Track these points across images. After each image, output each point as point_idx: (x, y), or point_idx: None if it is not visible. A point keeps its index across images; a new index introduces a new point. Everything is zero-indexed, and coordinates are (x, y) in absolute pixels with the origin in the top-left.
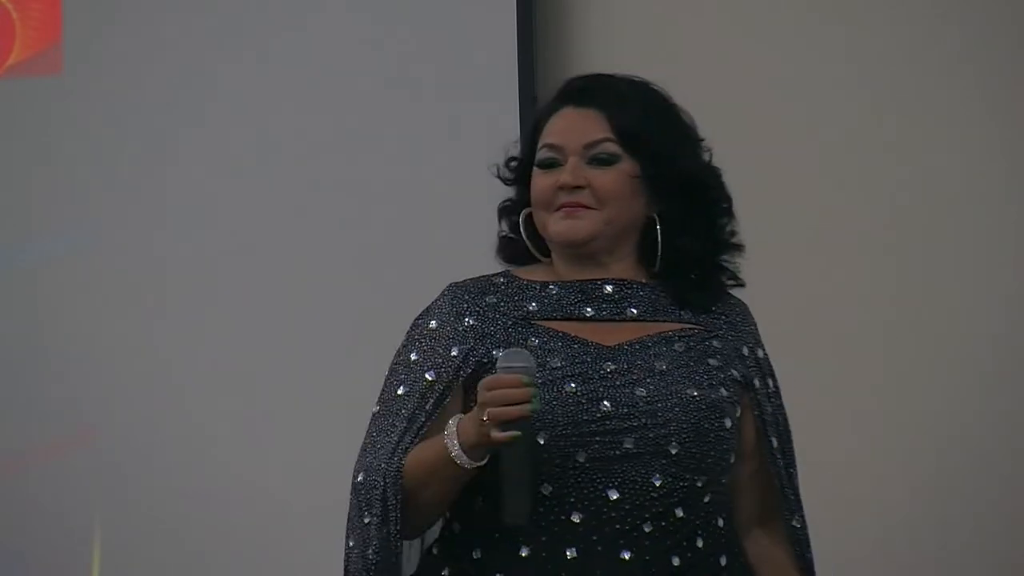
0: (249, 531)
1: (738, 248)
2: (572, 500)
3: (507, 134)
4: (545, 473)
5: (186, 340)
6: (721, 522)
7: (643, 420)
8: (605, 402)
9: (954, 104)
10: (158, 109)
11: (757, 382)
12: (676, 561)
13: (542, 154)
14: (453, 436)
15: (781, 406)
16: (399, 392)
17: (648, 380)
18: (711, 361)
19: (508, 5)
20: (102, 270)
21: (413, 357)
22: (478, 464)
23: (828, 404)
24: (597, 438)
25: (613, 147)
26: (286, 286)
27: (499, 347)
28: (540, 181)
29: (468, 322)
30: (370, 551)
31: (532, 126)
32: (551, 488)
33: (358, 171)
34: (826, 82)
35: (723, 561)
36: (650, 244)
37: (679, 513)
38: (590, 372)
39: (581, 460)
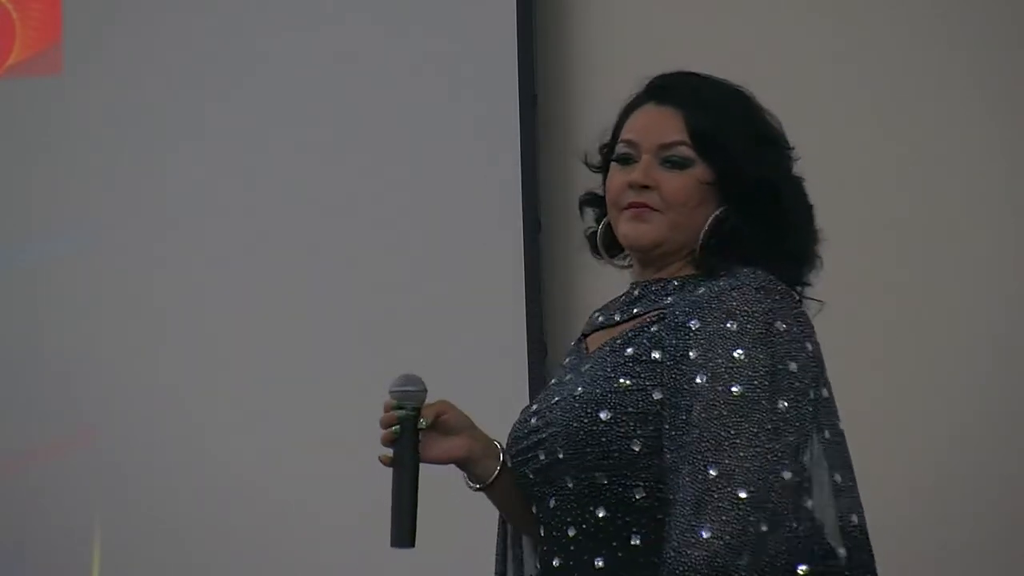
0: (249, 531)
1: (801, 259)
2: (538, 514)
3: (507, 134)
4: (524, 491)
5: (186, 340)
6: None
7: (544, 431)
8: (534, 417)
9: (954, 104)
10: (158, 109)
11: (694, 352)
12: (600, 563)
13: (619, 149)
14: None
15: (733, 380)
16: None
17: (567, 387)
18: (628, 350)
19: (508, 5)
20: (102, 270)
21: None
22: (479, 485)
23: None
24: (528, 454)
25: (687, 151)
26: (286, 286)
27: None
28: (614, 177)
29: None
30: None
31: (616, 120)
32: (532, 504)
33: (358, 171)
34: (827, 82)
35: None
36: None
37: (600, 513)
38: (552, 387)
39: (531, 476)
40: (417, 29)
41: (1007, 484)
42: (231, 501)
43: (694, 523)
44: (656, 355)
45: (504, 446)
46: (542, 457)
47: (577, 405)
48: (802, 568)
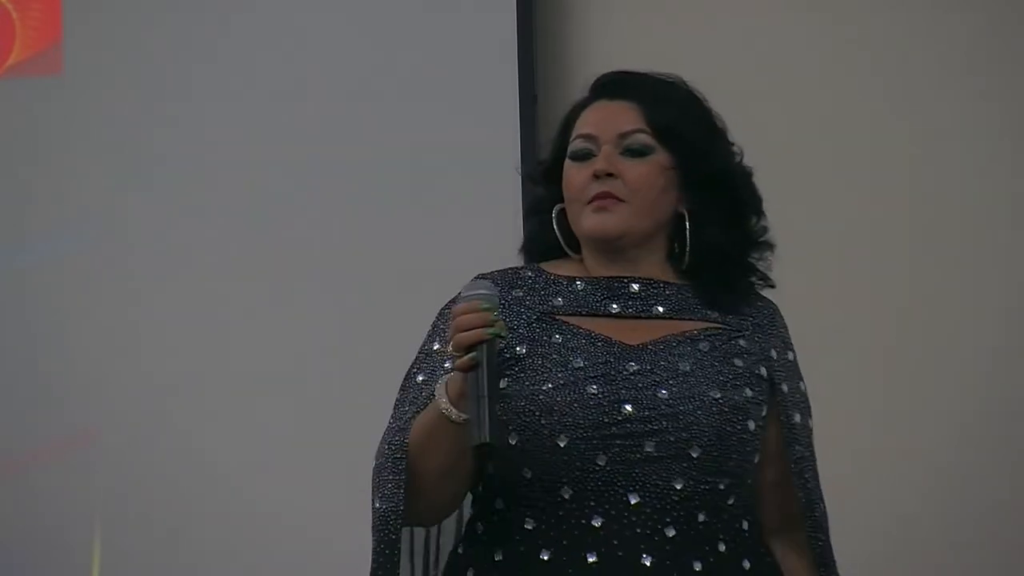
0: (249, 532)
1: (768, 247)
2: (592, 504)
3: (507, 134)
4: (566, 476)
5: (186, 340)
6: (746, 525)
7: (664, 423)
8: (627, 405)
9: (956, 104)
10: (158, 109)
11: (785, 386)
12: (698, 566)
13: (576, 145)
14: (442, 391)
15: (808, 414)
16: (418, 380)
17: (671, 381)
18: (737, 361)
19: (508, 5)
20: (102, 270)
21: (435, 347)
22: (466, 416)
23: (834, 404)
24: (618, 441)
25: (647, 138)
26: (286, 287)
27: (523, 343)
28: (573, 174)
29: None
30: (375, 538)
31: (562, 123)
32: (571, 491)
33: (358, 171)
34: (828, 82)
35: (746, 565)
36: (680, 241)
37: (701, 518)
38: (612, 372)
39: (602, 464)
40: (417, 29)
41: (1008, 484)
42: (231, 502)
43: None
44: (762, 371)
45: (554, 420)
46: (649, 449)
47: (727, 410)
48: None
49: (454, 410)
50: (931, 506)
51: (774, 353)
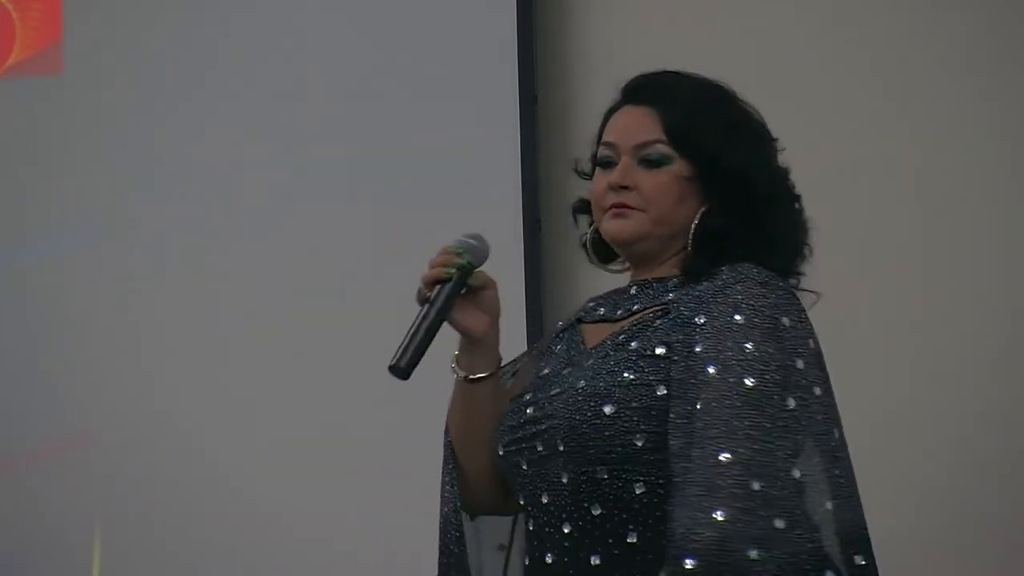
0: (249, 532)
1: (788, 251)
2: (529, 508)
3: (507, 134)
4: (514, 482)
5: (187, 341)
6: None
7: (543, 423)
8: (529, 408)
9: (959, 105)
10: (158, 109)
11: (700, 346)
12: (595, 560)
13: (600, 152)
14: (454, 358)
15: (751, 374)
16: None
17: (567, 379)
18: (632, 344)
19: (508, 5)
20: (102, 270)
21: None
22: (467, 374)
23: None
24: (524, 444)
25: (664, 148)
26: (287, 287)
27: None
28: (596, 181)
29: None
30: (440, 540)
31: (601, 123)
32: (521, 496)
33: (358, 171)
34: (828, 83)
35: None
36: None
37: (596, 511)
38: (549, 379)
39: (525, 468)
40: (418, 29)
41: (1010, 485)
42: (231, 501)
43: (706, 504)
44: (660, 350)
45: (504, 380)
46: (539, 448)
47: (580, 399)
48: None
49: (457, 368)
50: (933, 506)
51: (700, 319)
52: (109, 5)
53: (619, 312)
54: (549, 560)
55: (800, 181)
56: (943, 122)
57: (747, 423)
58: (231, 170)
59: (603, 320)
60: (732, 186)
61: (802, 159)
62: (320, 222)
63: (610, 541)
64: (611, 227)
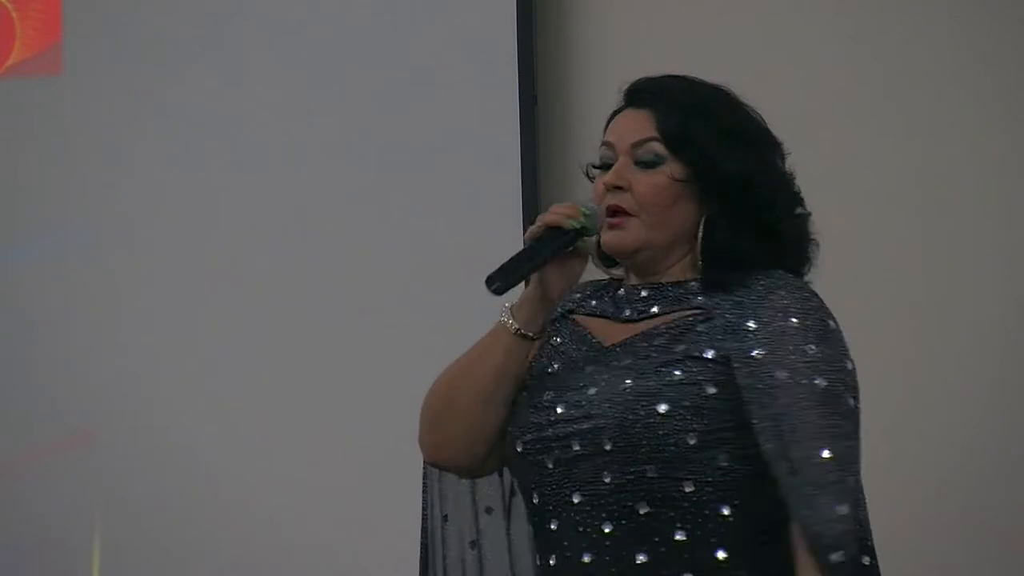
0: (249, 532)
1: (801, 252)
2: (550, 508)
3: (507, 134)
4: (531, 481)
5: (186, 341)
6: (726, 510)
7: (583, 422)
8: (559, 406)
9: (962, 105)
10: (158, 109)
11: (761, 351)
12: (642, 558)
13: (600, 153)
14: (506, 309)
15: (820, 375)
16: None
17: (603, 378)
18: (678, 347)
19: (508, 5)
20: (102, 270)
21: None
22: (520, 328)
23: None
24: (554, 443)
25: (659, 148)
26: (286, 288)
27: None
28: (596, 183)
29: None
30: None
31: (605, 126)
32: (537, 497)
33: (358, 172)
34: (830, 83)
35: (720, 555)
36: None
37: (643, 510)
38: (569, 376)
39: (550, 467)
40: (417, 29)
41: (1010, 485)
42: (231, 502)
43: (825, 500)
44: (709, 353)
45: (521, 425)
46: (576, 448)
47: (631, 398)
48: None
49: (513, 321)
50: (933, 507)
51: (751, 324)
52: (109, 5)
53: (628, 312)
54: (587, 560)
55: (800, 181)
56: (943, 122)
57: (829, 421)
58: (231, 170)
59: (604, 316)
60: (729, 190)
61: (802, 158)
62: (320, 222)
63: (656, 539)
64: (610, 239)
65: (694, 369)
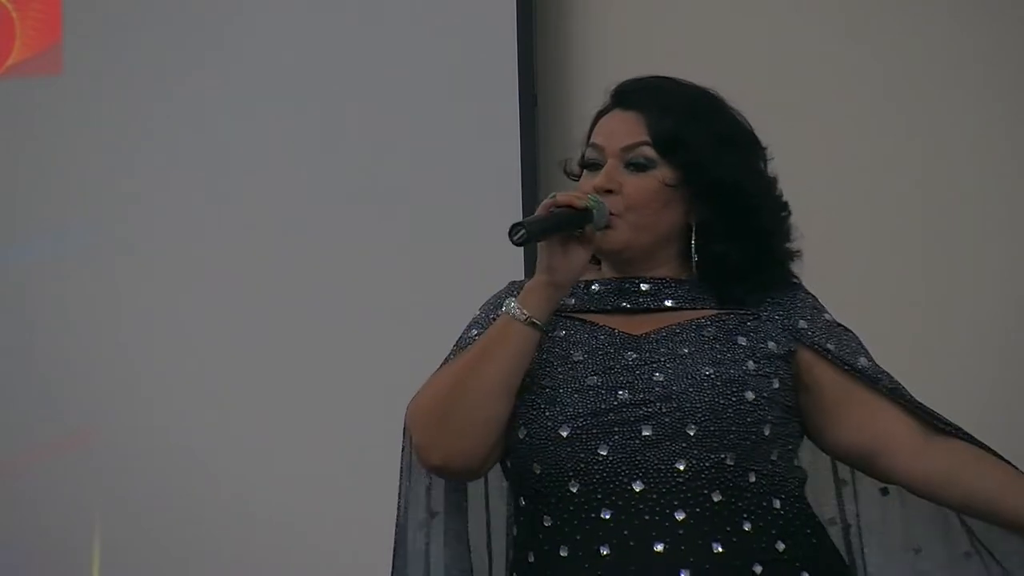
0: (249, 531)
1: (789, 255)
2: (600, 496)
3: (507, 134)
4: (572, 469)
5: (186, 340)
6: (777, 504)
7: (659, 405)
8: (622, 391)
9: (963, 105)
10: (158, 109)
11: (832, 344)
12: (718, 548)
13: (587, 155)
14: (511, 300)
15: (871, 359)
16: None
17: (668, 365)
18: (740, 340)
19: (508, 5)
20: (101, 270)
21: (473, 333)
22: (531, 316)
23: None
24: (616, 428)
25: (650, 152)
26: (286, 288)
27: None
28: (583, 183)
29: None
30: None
31: (589, 126)
32: (578, 485)
33: (358, 171)
34: (829, 84)
35: (780, 546)
36: (692, 251)
37: (716, 497)
38: (611, 362)
39: (604, 453)
40: (417, 29)
41: None
42: (231, 502)
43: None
44: (772, 346)
45: (555, 416)
46: (646, 433)
47: (718, 384)
48: None
49: (522, 310)
50: None
51: (803, 323)
52: (109, 5)
53: (624, 304)
54: (660, 548)
55: (800, 180)
56: (943, 122)
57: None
58: (231, 170)
59: (600, 311)
60: (720, 195)
61: (802, 158)
62: (320, 222)
63: (728, 529)
64: (597, 240)
65: (763, 362)
